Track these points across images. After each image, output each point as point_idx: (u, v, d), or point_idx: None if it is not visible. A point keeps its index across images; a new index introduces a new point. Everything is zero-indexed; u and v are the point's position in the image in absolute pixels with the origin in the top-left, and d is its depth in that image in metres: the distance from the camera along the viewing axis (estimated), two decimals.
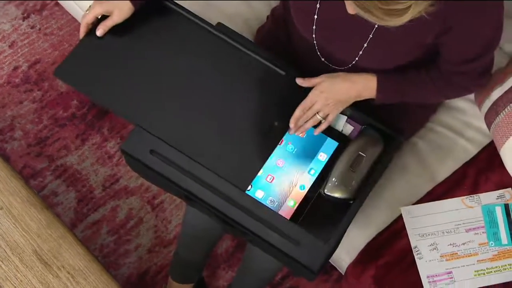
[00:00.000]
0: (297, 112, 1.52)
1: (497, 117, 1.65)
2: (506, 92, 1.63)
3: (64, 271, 1.56)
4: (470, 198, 1.67)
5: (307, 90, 1.55)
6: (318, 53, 1.56)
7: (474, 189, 1.68)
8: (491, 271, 1.60)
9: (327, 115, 1.53)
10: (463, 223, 1.65)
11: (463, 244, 1.63)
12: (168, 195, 2.16)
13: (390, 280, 1.62)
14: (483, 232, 1.64)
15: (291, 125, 1.52)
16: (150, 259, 2.09)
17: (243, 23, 1.85)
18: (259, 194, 1.49)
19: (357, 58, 1.49)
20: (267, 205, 1.47)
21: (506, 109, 1.62)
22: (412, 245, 1.63)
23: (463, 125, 1.77)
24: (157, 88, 1.55)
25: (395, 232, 1.66)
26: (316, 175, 1.52)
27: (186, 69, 1.57)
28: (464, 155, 1.74)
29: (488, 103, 1.68)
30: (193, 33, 1.61)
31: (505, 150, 1.65)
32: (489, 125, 1.70)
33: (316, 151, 1.54)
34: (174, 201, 2.15)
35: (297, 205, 1.49)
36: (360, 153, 1.52)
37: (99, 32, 1.55)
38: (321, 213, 1.50)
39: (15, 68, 2.30)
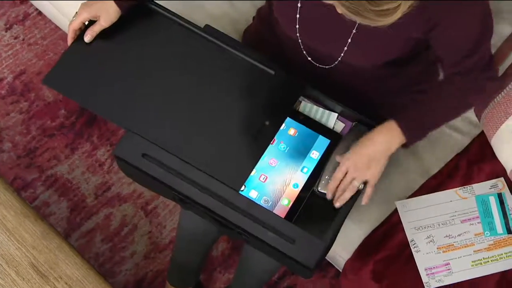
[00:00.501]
0: (331, 184, 1.48)
1: (487, 108, 1.66)
2: (493, 83, 1.64)
3: (62, 281, 1.55)
4: (464, 189, 1.69)
5: (297, 89, 1.55)
6: (304, 52, 1.56)
7: (467, 180, 1.70)
8: (488, 261, 1.61)
9: (366, 181, 1.48)
10: (458, 214, 1.66)
11: (459, 235, 1.64)
12: (161, 200, 2.15)
13: (389, 274, 1.62)
14: (478, 223, 1.65)
15: (328, 196, 1.49)
16: (147, 265, 2.09)
17: (230, 24, 1.86)
18: (253, 194, 1.49)
19: (342, 54, 1.49)
20: (261, 205, 1.47)
21: (495, 99, 1.63)
22: (409, 238, 1.64)
23: None
24: (147, 91, 1.55)
25: (391, 227, 1.66)
26: (309, 173, 1.52)
27: (176, 71, 1.57)
28: (455, 147, 1.76)
29: None
30: (181, 35, 1.61)
31: (496, 140, 1.66)
32: (478, 116, 1.71)
33: (308, 149, 1.54)
34: (168, 206, 2.15)
35: (291, 203, 1.49)
36: None
37: (87, 38, 1.55)
38: (315, 211, 1.50)
39: (0, 80, 2.28)
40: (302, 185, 1.51)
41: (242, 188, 1.48)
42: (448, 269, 1.61)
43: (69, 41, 1.56)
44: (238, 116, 1.54)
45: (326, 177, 1.50)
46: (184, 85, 1.56)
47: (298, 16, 1.46)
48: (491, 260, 1.61)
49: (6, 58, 2.32)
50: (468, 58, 1.42)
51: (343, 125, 1.58)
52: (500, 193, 1.68)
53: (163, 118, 1.52)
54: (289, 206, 1.49)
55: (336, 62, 1.52)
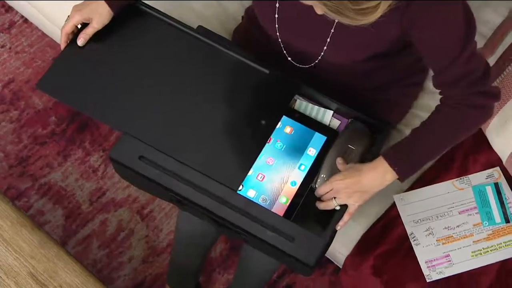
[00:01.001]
0: (319, 190, 1.48)
1: None
2: None
3: None
4: (460, 180, 1.69)
5: (292, 87, 1.55)
6: (284, 52, 1.56)
7: (463, 171, 1.70)
8: (488, 251, 1.62)
9: (345, 205, 1.47)
10: (456, 206, 1.66)
11: (458, 226, 1.64)
12: (157, 204, 2.14)
13: (389, 268, 1.63)
14: (476, 213, 1.65)
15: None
16: (145, 269, 2.08)
17: (219, 24, 1.85)
18: (251, 193, 1.49)
19: (322, 53, 1.49)
20: (259, 204, 1.47)
21: None
22: (408, 231, 1.64)
23: None
24: (141, 93, 1.54)
25: (390, 221, 1.67)
26: (307, 170, 1.52)
27: (170, 73, 1.57)
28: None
29: None
30: (174, 36, 1.60)
31: (490, 130, 1.67)
32: None
33: (305, 147, 1.54)
34: (164, 210, 2.14)
35: (289, 201, 1.49)
36: (349, 145, 1.52)
37: (81, 41, 1.54)
38: (314, 208, 1.50)
39: None
40: (300, 182, 1.51)
41: (240, 187, 1.48)
42: (449, 261, 1.61)
43: (62, 45, 1.56)
44: (234, 116, 1.53)
45: (324, 175, 1.50)
46: (179, 86, 1.56)
47: (276, 16, 1.46)
48: (491, 250, 1.62)
49: None
50: (454, 64, 1.36)
51: (339, 122, 1.58)
52: (497, 183, 1.68)
53: (159, 120, 1.52)
54: (288, 204, 1.48)
55: (316, 61, 1.52)
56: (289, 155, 1.53)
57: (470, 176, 1.69)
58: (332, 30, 1.42)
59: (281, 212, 1.47)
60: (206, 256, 1.88)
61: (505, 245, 1.62)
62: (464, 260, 1.61)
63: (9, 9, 2.38)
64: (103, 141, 2.22)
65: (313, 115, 1.58)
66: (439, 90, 1.45)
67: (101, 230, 2.11)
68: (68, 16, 1.54)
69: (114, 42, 1.58)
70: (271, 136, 1.53)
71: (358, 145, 1.53)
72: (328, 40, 1.44)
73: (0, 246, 1.58)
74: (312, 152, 1.53)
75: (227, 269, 2.08)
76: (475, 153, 1.72)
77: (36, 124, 2.23)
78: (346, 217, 1.46)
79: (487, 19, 1.81)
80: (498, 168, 1.70)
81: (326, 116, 1.58)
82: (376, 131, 1.56)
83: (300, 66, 1.57)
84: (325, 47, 1.46)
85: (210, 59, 1.59)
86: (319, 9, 1.21)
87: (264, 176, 1.51)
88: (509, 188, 1.68)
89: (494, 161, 1.71)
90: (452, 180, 1.69)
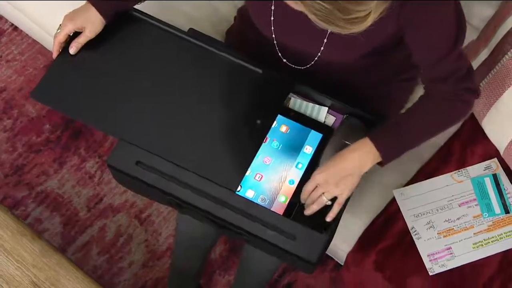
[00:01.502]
0: (302, 194, 1.47)
1: None
2: (481, 65, 1.66)
3: None
4: (459, 172, 1.70)
5: (286, 86, 1.55)
6: (279, 54, 1.56)
7: (462, 164, 1.71)
8: (489, 242, 1.63)
9: (335, 197, 1.45)
10: (455, 198, 1.67)
11: (458, 218, 1.65)
12: (155, 207, 2.14)
13: (391, 263, 1.63)
14: (475, 205, 1.66)
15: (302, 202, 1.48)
16: (145, 274, 2.08)
17: (211, 26, 1.85)
18: (249, 194, 1.49)
19: (319, 54, 1.49)
20: (259, 203, 1.47)
21: (483, 82, 1.65)
22: (409, 226, 1.65)
23: None
24: (136, 98, 1.54)
25: (391, 215, 1.67)
26: (304, 168, 1.52)
27: (163, 77, 1.57)
28: (446, 131, 1.76)
29: None
30: (166, 41, 1.60)
31: (487, 122, 1.68)
32: None
33: (302, 145, 1.54)
34: (162, 213, 2.14)
35: (288, 200, 1.49)
36: (345, 141, 1.53)
37: (73, 50, 1.54)
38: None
39: None
40: (298, 181, 1.51)
41: (238, 188, 1.48)
42: (450, 253, 1.62)
43: (54, 54, 1.55)
44: (230, 117, 1.53)
45: None
46: (173, 89, 1.56)
47: (272, 18, 1.46)
48: (492, 241, 1.63)
49: None
50: (444, 61, 1.39)
51: (334, 118, 1.59)
52: (495, 174, 1.69)
53: (155, 124, 1.52)
54: (287, 203, 1.49)
55: (313, 62, 1.53)
56: (286, 154, 1.53)
57: (468, 168, 1.70)
58: (329, 30, 1.42)
59: (280, 211, 1.47)
60: (206, 258, 1.88)
61: (506, 235, 1.63)
62: (466, 252, 1.62)
63: None
64: (98, 147, 2.21)
65: (308, 112, 1.58)
66: (427, 86, 1.47)
67: (100, 236, 2.11)
68: (60, 24, 1.54)
69: (106, 49, 1.57)
70: (267, 136, 1.54)
71: (354, 141, 1.52)
72: (325, 40, 1.44)
73: (1, 256, 1.57)
74: (308, 150, 1.54)
75: (228, 270, 2.08)
76: (472, 145, 1.73)
77: (30, 132, 2.22)
78: (336, 207, 1.44)
79: (479, 12, 1.82)
80: (495, 159, 1.71)
81: (321, 113, 1.58)
82: (371, 125, 1.56)
83: (296, 67, 1.58)
84: (322, 47, 1.47)
85: (202, 62, 1.59)
86: (310, 16, 1.20)
87: (262, 176, 1.51)
88: (508, 179, 1.69)
89: (491, 152, 1.71)
90: (451, 173, 1.70)
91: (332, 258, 1.99)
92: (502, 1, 1.73)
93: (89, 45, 1.55)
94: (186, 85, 1.56)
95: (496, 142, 1.68)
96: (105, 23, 1.53)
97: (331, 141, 1.53)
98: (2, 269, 1.56)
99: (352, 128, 1.55)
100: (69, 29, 1.52)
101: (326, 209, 1.47)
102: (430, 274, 1.61)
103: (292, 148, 1.54)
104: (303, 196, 1.47)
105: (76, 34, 1.54)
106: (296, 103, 1.59)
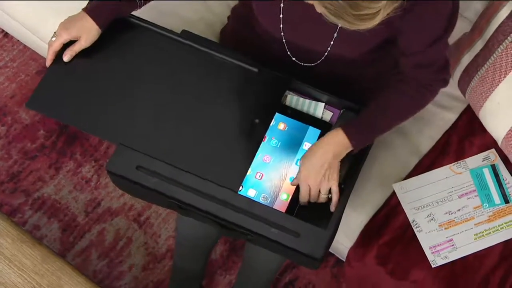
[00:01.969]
0: (302, 199, 1.48)
1: (471, 82, 1.68)
2: (476, 57, 1.66)
3: None
4: (457, 164, 1.71)
5: (283, 84, 1.55)
6: (288, 52, 1.56)
7: (460, 155, 1.72)
8: (490, 232, 1.64)
9: (330, 188, 1.48)
10: (455, 190, 1.68)
11: (458, 210, 1.66)
12: (153, 210, 2.13)
13: (394, 256, 1.64)
14: (475, 196, 1.67)
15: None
16: (146, 276, 2.07)
17: (206, 27, 1.85)
18: (251, 193, 1.49)
19: (329, 49, 1.49)
20: (261, 202, 1.47)
21: (478, 73, 1.65)
22: (410, 219, 1.65)
23: (437, 95, 1.80)
24: (133, 103, 1.54)
25: (391, 209, 1.68)
26: None
27: (159, 80, 1.56)
28: (443, 124, 1.77)
29: (459, 70, 1.72)
30: (160, 44, 1.60)
31: (484, 113, 1.68)
32: (463, 91, 1.73)
33: (301, 141, 1.54)
34: (160, 215, 2.13)
35: (290, 197, 1.49)
36: None
37: (66, 57, 1.53)
38: (315, 202, 1.50)
39: None
40: None
41: (240, 188, 1.48)
42: (452, 245, 1.63)
43: (48, 62, 1.53)
44: (228, 118, 1.53)
45: None
46: (170, 92, 1.55)
47: (281, 16, 1.46)
48: (493, 231, 1.64)
49: None
50: (433, 47, 1.42)
51: (331, 113, 1.59)
52: (493, 165, 1.70)
53: (153, 128, 1.51)
54: (288, 200, 1.49)
55: (322, 58, 1.53)
56: (285, 151, 1.53)
57: (466, 159, 1.71)
58: (339, 26, 1.43)
59: (282, 209, 1.48)
60: (208, 258, 1.87)
61: (507, 225, 1.64)
62: (467, 243, 1.63)
63: None
64: (93, 151, 2.20)
65: (305, 109, 1.58)
66: (408, 71, 1.48)
67: (99, 240, 2.10)
68: (55, 32, 1.52)
69: (100, 54, 1.56)
70: (266, 134, 1.53)
71: None
72: (335, 35, 1.45)
73: (2, 264, 1.57)
74: (307, 146, 1.54)
75: (229, 270, 2.08)
76: (470, 137, 1.74)
77: (24, 138, 2.21)
78: (335, 197, 1.46)
79: (472, 4, 1.83)
80: (493, 150, 1.72)
81: (318, 109, 1.59)
82: None
83: (304, 65, 1.57)
84: (331, 43, 1.47)
85: (197, 63, 1.58)
86: (319, 9, 1.22)
87: (262, 175, 1.51)
88: (506, 169, 1.70)
89: (489, 143, 1.72)
90: (449, 165, 1.71)
91: (333, 254, 1.99)
92: None
93: (83, 52, 1.53)
94: (181, 88, 1.56)
95: (494, 133, 1.69)
96: (100, 31, 1.52)
97: None
98: (3, 277, 1.55)
99: None
100: (65, 38, 1.50)
101: (328, 203, 1.48)
102: (433, 266, 1.62)
103: (291, 145, 1.54)
104: (304, 200, 1.48)
105: (71, 41, 1.53)
106: (293, 100, 1.59)
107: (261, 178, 1.51)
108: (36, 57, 2.32)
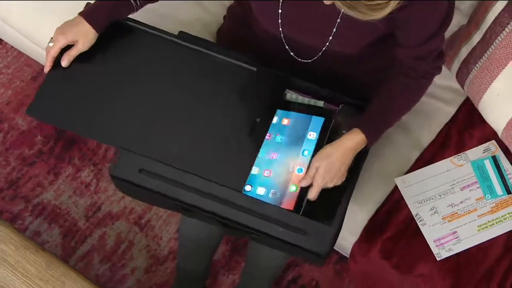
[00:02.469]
0: (304, 181, 1.47)
1: (470, 74, 1.68)
2: (473, 49, 1.67)
3: None
4: (458, 157, 1.71)
5: (282, 81, 1.55)
6: (286, 47, 1.56)
7: (460, 148, 1.72)
8: (493, 223, 1.64)
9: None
10: (457, 182, 1.68)
11: (461, 202, 1.66)
12: (154, 212, 2.13)
13: (398, 251, 1.64)
14: (477, 188, 1.67)
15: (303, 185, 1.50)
16: (149, 279, 2.06)
17: (203, 28, 1.84)
18: (260, 191, 1.48)
19: (328, 44, 1.50)
20: (268, 200, 1.46)
21: (477, 65, 1.66)
22: (413, 213, 1.66)
23: (436, 88, 1.80)
24: (133, 107, 1.53)
25: (394, 204, 1.68)
26: (310, 154, 1.51)
27: (158, 82, 1.56)
28: (443, 117, 1.78)
29: (457, 63, 1.72)
30: (157, 46, 1.59)
31: (483, 105, 1.69)
32: (462, 83, 1.74)
33: (305, 133, 1.54)
34: (161, 217, 2.13)
35: (299, 188, 1.48)
36: (343, 131, 1.53)
37: (65, 62, 1.52)
38: (319, 198, 1.50)
39: None
40: (306, 168, 1.50)
41: (249, 188, 1.48)
42: (456, 237, 1.63)
43: (47, 69, 1.53)
44: (229, 118, 1.53)
45: None
46: (170, 94, 1.55)
47: (280, 11, 1.46)
48: (496, 222, 1.64)
49: None
50: (428, 42, 1.45)
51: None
52: (494, 156, 1.70)
53: (155, 131, 1.51)
54: (298, 191, 1.48)
55: (320, 53, 1.53)
56: (291, 145, 1.52)
57: (467, 152, 1.71)
58: (339, 20, 1.44)
59: (292, 201, 1.46)
60: (211, 259, 1.87)
61: (510, 216, 1.65)
62: (471, 235, 1.63)
63: None
64: (92, 155, 2.20)
65: None
66: (407, 63, 1.50)
67: (101, 244, 2.09)
68: (51, 38, 1.52)
69: (99, 58, 1.56)
70: (270, 132, 1.53)
71: (350, 129, 1.53)
72: (334, 30, 1.45)
73: (6, 271, 1.56)
74: (312, 135, 1.53)
75: (231, 269, 2.08)
76: (469, 129, 1.74)
77: (22, 145, 2.20)
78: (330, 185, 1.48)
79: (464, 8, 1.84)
80: (494, 141, 1.72)
81: (318, 106, 1.59)
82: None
83: (302, 61, 1.57)
84: (330, 38, 1.47)
85: (195, 64, 1.58)
86: (328, 1, 1.23)
87: (270, 172, 1.50)
88: (507, 160, 1.70)
89: (489, 134, 1.73)
90: (450, 157, 1.71)
91: (335, 251, 1.99)
92: None
93: (81, 56, 1.53)
94: (180, 89, 1.55)
95: (494, 124, 1.69)
96: (97, 35, 1.51)
97: (330, 132, 1.53)
98: (8, 284, 1.55)
99: (348, 117, 1.56)
100: (62, 43, 1.50)
101: (332, 199, 1.47)
102: (438, 259, 1.62)
103: (296, 138, 1.53)
104: (305, 184, 1.47)
105: (68, 46, 1.53)
106: (293, 98, 1.59)
107: (269, 175, 1.50)
108: (31, 62, 2.31)
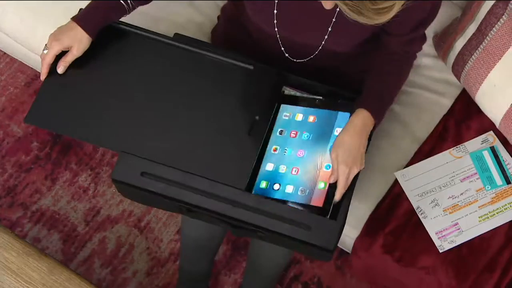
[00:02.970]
0: (332, 178, 1.47)
1: (466, 66, 1.69)
2: (469, 40, 1.67)
3: None
4: (457, 149, 1.72)
5: (279, 78, 1.56)
6: (282, 48, 1.56)
7: (459, 140, 1.73)
8: (494, 214, 1.65)
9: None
10: (457, 174, 1.69)
11: (462, 194, 1.67)
12: (153, 214, 2.13)
13: (400, 244, 1.64)
14: (477, 179, 1.68)
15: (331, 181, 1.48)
16: (150, 281, 2.06)
17: (197, 28, 1.84)
18: (289, 190, 1.48)
19: (323, 42, 1.50)
20: (297, 198, 1.46)
21: (473, 56, 1.66)
22: (414, 206, 1.66)
23: (431, 81, 1.81)
24: (131, 110, 1.53)
25: (395, 198, 1.68)
26: None
27: (156, 85, 1.56)
28: (440, 109, 1.78)
29: (452, 55, 1.72)
30: (153, 48, 1.59)
31: (480, 96, 1.69)
32: (458, 75, 1.74)
33: (332, 129, 1.53)
34: (161, 219, 2.13)
35: (327, 185, 1.47)
36: None
37: (60, 69, 1.52)
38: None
39: None
40: None
41: (277, 186, 1.47)
42: (458, 229, 1.64)
43: (43, 76, 1.52)
44: (228, 117, 1.53)
45: None
46: (167, 96, 1.55)
47: (276, 11, 1.46)
48: (497, 213, 1.65)
49: None
50: (419, 27, 1.48)
51: None
52: (493, 146, 1.71)
53: (155, 133, 1.51)
54: (326, 188, 1.47)
55: (316, 52, 1.53)
56: (318, 142, 1.52)
57: (465, 143, 1.72)
58: (334, 19, 1.44)
59: (321, 198, 1.46)
60: (213, 259, 1.87)
61: (510, 206, 1.65)
62: (473, 226, 1.64)
63: None
64: (88, 159, 2.19)
65: None
66: (398, 47, 1.53)
67: (101, 248, 2.09)
68: (46, 44, 1.51)
69: (94, 63, 1.56)
70: (297, 130, 1.53)
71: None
72: (330, 29, 1.46)
73: (10, 279, 1.56)
74: (339, 131, 1.51)
75: (233, 269, 2.08)
76: (467, 120, 1.75)
77: (18, 151, 2.20)
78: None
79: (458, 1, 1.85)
80: (491, 132, 1.73)
81: None
82: None
83: (297, 61, 1.58)
84: (326, 37, 1.48)
85: (192, 65, 1.58)
86: (329, 5, 1.24)
87: (298, 170, 1.50)
88: (506, 150, 1.71)
89: (486, 125, 1.73)
90: (449, 149, 1.72)
91: (337, 247, 1.99)
92: None
93: (77, 62, 1.53)
94: (178, 90, 1.55)
95: (491, 115, 1.70)
96: (91, 40, 1.51)
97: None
98: None
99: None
100: (57, 49, 1.49)
101: (332, 197, 1.48)
102: (440, 251, 1.63)
103: (323, 134, 1.53)
104: (332, 180, 1.47)
105: (63, 52, 1.53)
106: (290, 94, 1.59)
107: (297, 173, 1.49)
108: (24, 68, 2.30)
